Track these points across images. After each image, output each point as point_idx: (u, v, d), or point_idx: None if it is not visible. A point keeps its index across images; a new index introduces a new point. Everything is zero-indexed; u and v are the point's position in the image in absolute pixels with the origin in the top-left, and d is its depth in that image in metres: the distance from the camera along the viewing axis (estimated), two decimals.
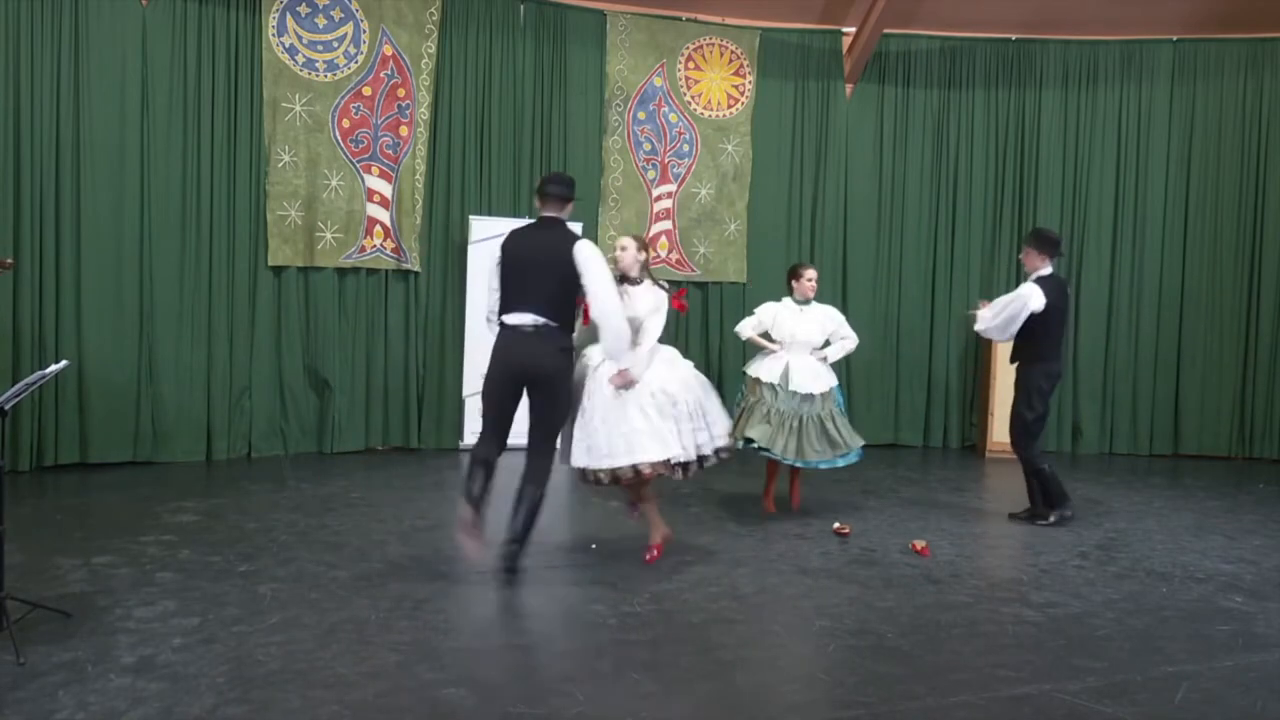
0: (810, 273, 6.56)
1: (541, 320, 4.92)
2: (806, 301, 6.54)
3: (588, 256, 4.94)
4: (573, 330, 5.13)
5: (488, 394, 5.08)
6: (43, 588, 4.56)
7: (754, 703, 3.58)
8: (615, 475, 5.09)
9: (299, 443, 8.34)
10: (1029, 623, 4.52)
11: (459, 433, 8.70)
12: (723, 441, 5.41)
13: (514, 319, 4.95)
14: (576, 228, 8.60)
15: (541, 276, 4.93)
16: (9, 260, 5.02)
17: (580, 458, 5.13)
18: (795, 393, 6.30)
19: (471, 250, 8.53)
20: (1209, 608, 4.82)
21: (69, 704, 3.38)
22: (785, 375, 6.33)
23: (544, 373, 4.93)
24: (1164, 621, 4.62)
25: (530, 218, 8.67)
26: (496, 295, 5.06)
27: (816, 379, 6.37)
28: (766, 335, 6.54)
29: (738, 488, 7.54)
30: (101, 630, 4.08)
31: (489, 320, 5.16)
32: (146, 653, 3.85)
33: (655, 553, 5.39)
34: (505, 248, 5.05)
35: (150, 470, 7.53)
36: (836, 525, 6.17)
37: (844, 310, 9.72)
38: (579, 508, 6.59)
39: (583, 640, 4.19)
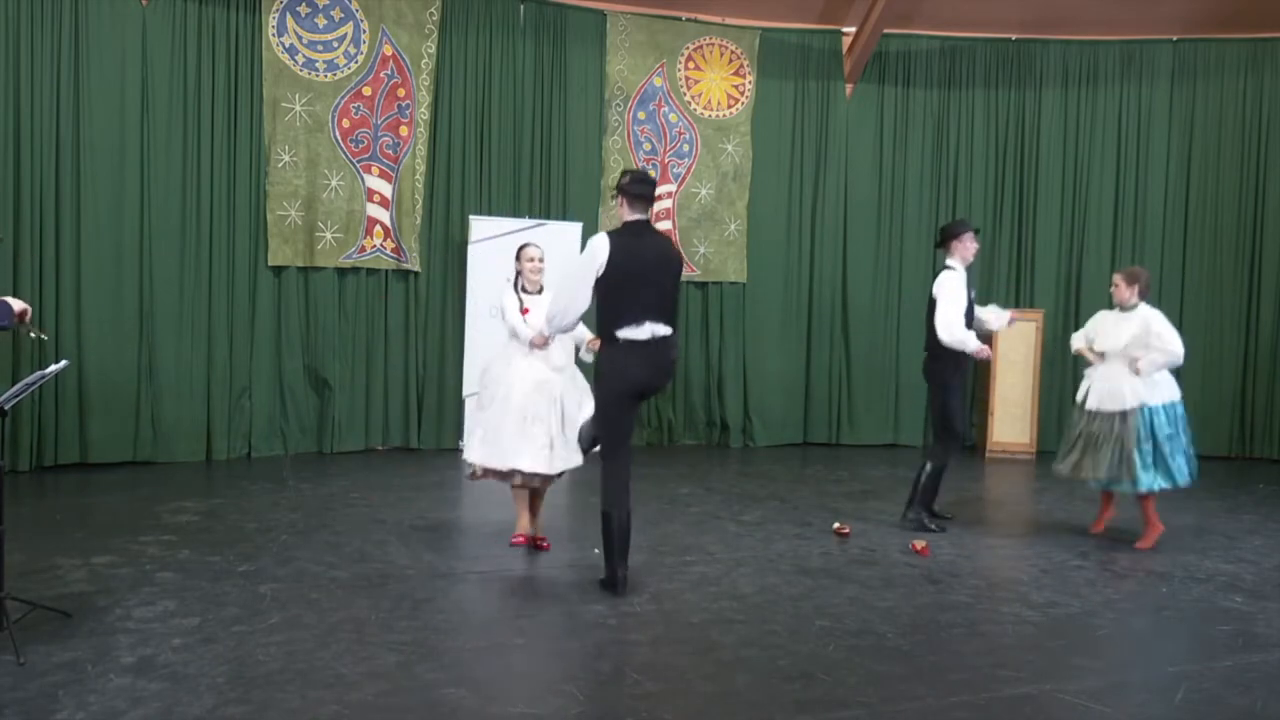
0: (1117, 278, 6.09)
1: (671, 330, 4.76)
2: (1128, 307, 6.01)
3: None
4: None
5: (616, 417, 4.74)
6: (43, 588, 4.55)
7: (754, 703, 3.58)
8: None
9: (299, 443, 8.34)
10: (1029, 623, 4.52)
11: (459, 433, 8.68)
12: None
13: (649, 330, 4.65)
14: (576, 227, 8.73)
15: (664, 287, 4.73)
16: (44, 334, 4.90)
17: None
18: (1088, 411, 5.99)
19: (471, 250, 8.53)
20: (1209, 608, 4.82)
21: (69, 704, 3.38)
22: (1086, 392, 6.04)
23: (662, 382, 4.90)
24: (1164, 621, 4.62)
25: (531, 218, 8.77)
26: (583, 305, 4.70)
27: (1111, 397, 5.90)
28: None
29: (738, 488, 7.54)
30: (101, 630, 4.08)
31: (560, 329, 4.91)
32: (146, 653, 3.85)
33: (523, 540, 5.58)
34: (618, 258, 4.59)
35: (150, 470, 7.53)
36: (836, 525, 6.17)
37: (843, 310, 9.86)
38: (580, 509, 6.58)
39: (583, 640, 4.19)
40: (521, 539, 5.55)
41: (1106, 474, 5.87)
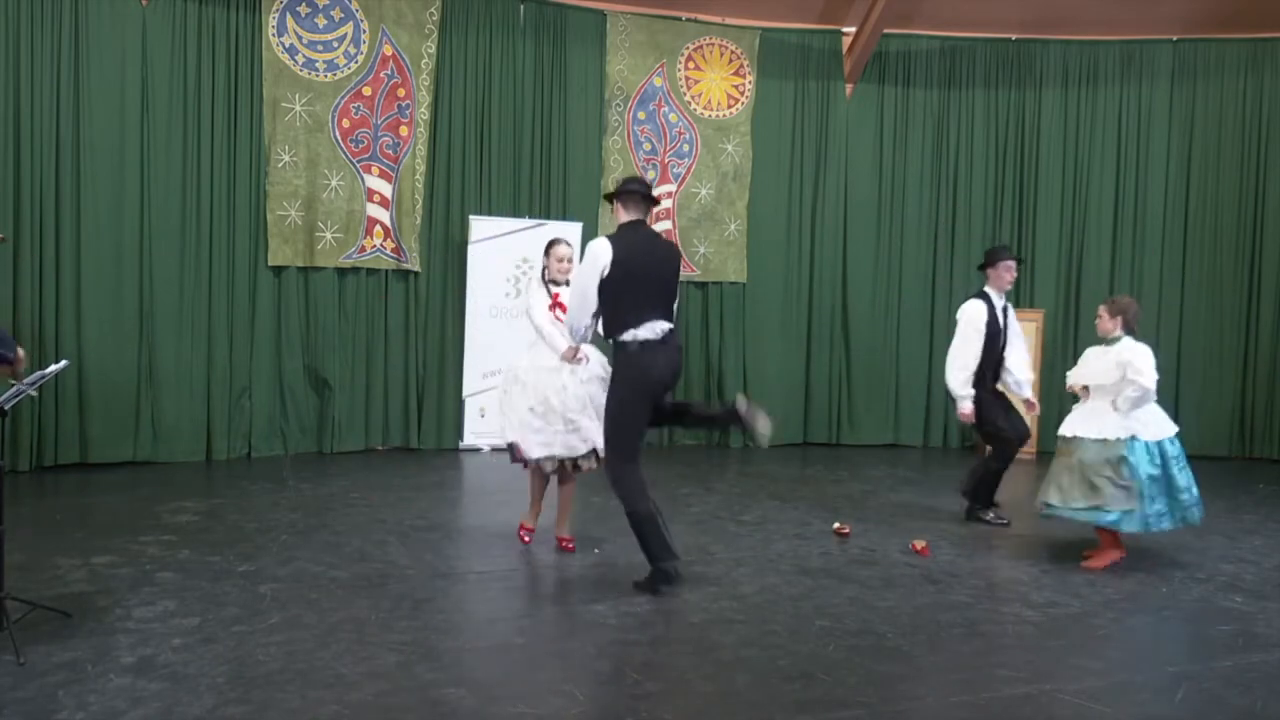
0: (1101, 309, 5.63)
1: (672, 326, 4.78)
2: (1110, 340, 5.58)
3: None
4: None
5: (638, 416, 4.70)
6: (43, 588, 4.56)
7: (754, 703, 3.58)
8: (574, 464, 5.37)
9: (299, 443, 8.34)
10: (1029, 623, 4.52)
11: (459, 433, 8.70)
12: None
13: (656, 328, 4.68)
14: (576, 227, 8.73)
15: (667, 283, 4.78)
16: (1, 235, 5.02)
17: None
18: (1065, 438, 5.63)
19: (471, 250, 8.53)
20: (1209, 608, 4.82)
21: (69, 704, 3.38)
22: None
23: (676, 378, 4.86)
24: (1164, 621, 4.62)
25: (531, 217, 8.77)
26: (592, 308, 4.71)
27: (1083, 423, 5.53)
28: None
29: (738, 488, 7.54)
30: (101, 630, 4.08)
31: (580, 339, 4.91)
32: (146, 653, 3.85)
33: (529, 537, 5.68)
34: (620, 258, 4.61)
35: (150, 470, 7.53)
36: (836, 525, 6.17)
37: (843, 310, 9.86)
38: (580, 509, 6.58)
39: (582, 640, 4.19)
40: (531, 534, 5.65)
41: (1078, 501, 5.38)
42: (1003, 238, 9.76)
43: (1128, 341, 5.52)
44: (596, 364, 5.37)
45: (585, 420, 5.26)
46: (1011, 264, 6.55)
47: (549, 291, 5.45)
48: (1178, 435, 5.52)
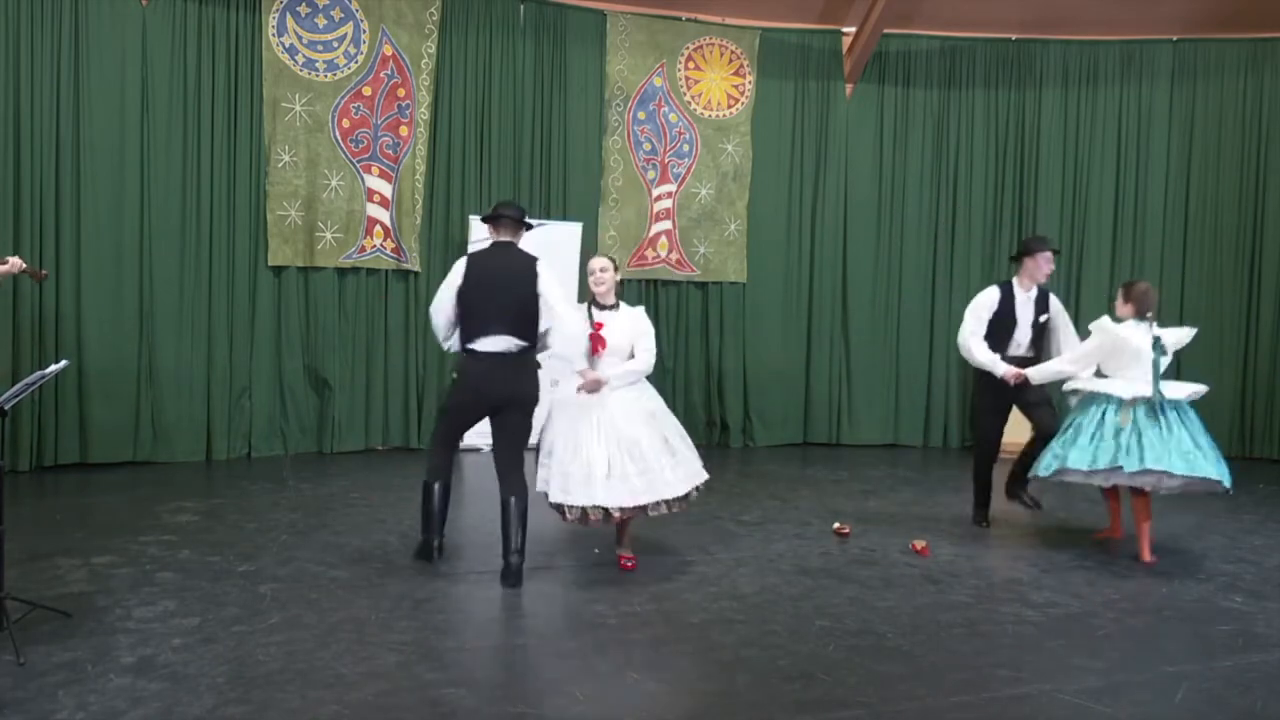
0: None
1: (524, 343, 4.97)
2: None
3: (549, 277, 5.02)
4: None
5: (457, 417, 5.14)
6: (43, 588, 4.56)
7: (754, 703, 3.58)
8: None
9: (299, 443, 8.34)
10: (1029, 623, 4.52)
11: None
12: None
13: (503, 343, 4.91)
14: (577, 228, 8.73)
15: (515, 301, 4.92)
16: (44, 271, 5.16)
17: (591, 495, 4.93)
18: None
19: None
20: (1209, 608, 4.82)
21: (69, 704, 3.38)
22: None
23: (528, 396, 5.00)
24: (1164, 621, 4.62)
25: (531, 218, 8.74)
26: (446, 315, 5.03)
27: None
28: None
29: (738, 488, 7.54)
30: (101, 630, 4.08)
31: (440, 338, 5.18)
32: (146, 653, 3.85)
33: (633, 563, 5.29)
34: (471, 273, 4.96)
35: (150, 470, 7.53)
36: (836, 525, 6.17)
37: (843, 310, 9.86)
38: None
39: (582, 640, 4.19)
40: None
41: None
42: (1003, 238, 9.77)
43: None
44: (639, 395, 5.15)
45: (631, 464, 4.92)
46: (1050, 256, 6.29)
47: (590, 316, 5.16)
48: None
